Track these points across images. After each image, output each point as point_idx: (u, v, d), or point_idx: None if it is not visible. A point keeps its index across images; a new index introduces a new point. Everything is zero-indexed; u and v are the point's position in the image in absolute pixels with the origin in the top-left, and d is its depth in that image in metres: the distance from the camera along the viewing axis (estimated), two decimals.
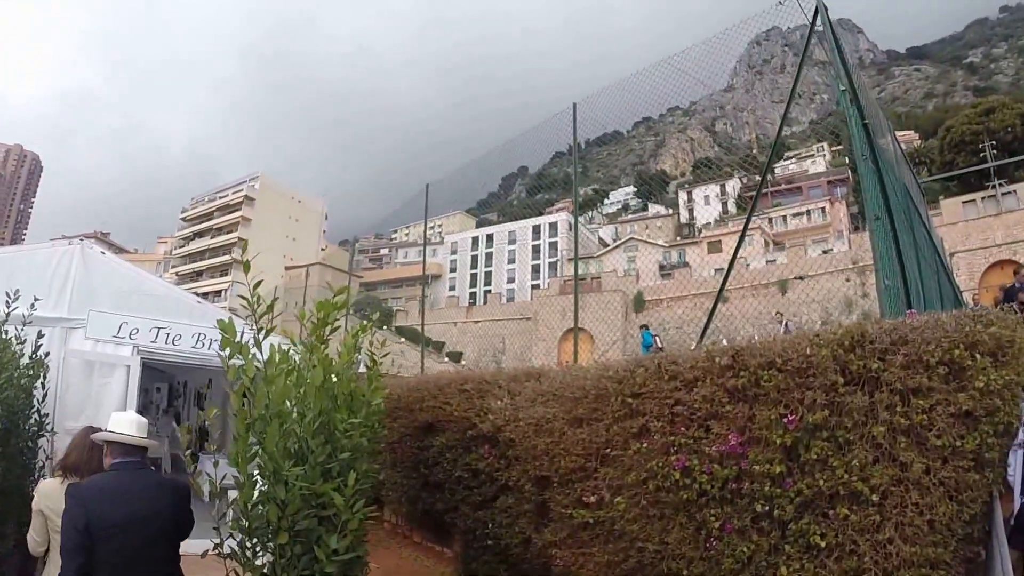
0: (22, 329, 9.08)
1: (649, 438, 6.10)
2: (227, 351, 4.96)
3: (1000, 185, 58.93)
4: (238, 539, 4.85)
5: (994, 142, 64.15)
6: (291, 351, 5.59)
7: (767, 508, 5.20)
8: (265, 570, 4.89)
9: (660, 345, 23.34)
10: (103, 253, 12.09)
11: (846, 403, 4.92)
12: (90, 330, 10.87)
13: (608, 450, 6.55)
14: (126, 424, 5.01)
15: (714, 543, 5.53)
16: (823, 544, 4.86)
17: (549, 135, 13.33)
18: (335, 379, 5.64)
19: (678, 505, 5.83)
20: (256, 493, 4.86)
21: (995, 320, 4.92)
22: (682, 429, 5.86)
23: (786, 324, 22.28)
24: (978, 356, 4.67)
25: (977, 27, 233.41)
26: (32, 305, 9.41)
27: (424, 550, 11.19)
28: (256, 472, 4.88)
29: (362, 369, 7.76)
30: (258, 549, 4.90)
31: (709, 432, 5.68)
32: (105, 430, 5.00)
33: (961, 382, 4.68)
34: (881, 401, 4.80)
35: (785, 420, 5.11)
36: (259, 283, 5.25)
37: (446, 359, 62.48)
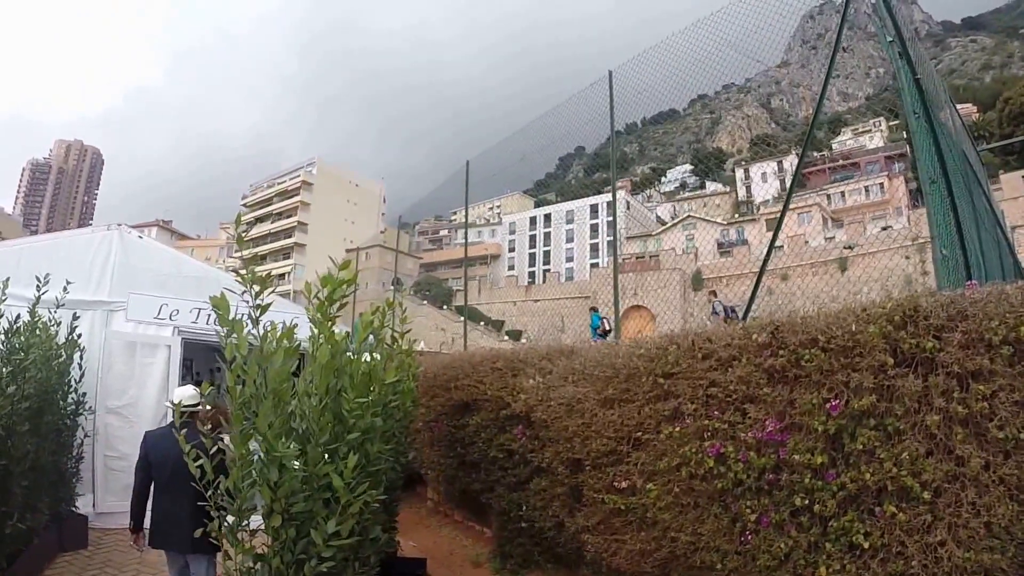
0: (55, 311, 9.36)
1: (682, 421, 5.78)
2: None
3: None
4: (230, 520, 4.74)
5: None
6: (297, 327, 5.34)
7: (807, 502, 4.82)
8: (261, 552, 4.74)
9: (608, 327, 22.80)
10: (140, 237, 12.65)
11: (896, 387, 4.47)
12: (131, 312, 11.30)
13: (640, 433, 6.24)
14: (175, 395, 6.32)
15: (750, 537, 5.19)
16: (867, 544, 4.49)
17: (596, 109, 12.97)
18: (348, 356, 5.51)
19: (712, 495, 5.50)
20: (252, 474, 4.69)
21: None
22: (716, 413, 5.50)
23: (714, 306, 21.05)
24: None
25: None
26: (65, 289, 9.69)
27: (464, 529, 11.06)
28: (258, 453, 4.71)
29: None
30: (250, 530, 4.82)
31: (746, 417, 5.30)
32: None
33: None
34: (936, 386, 4.33)
35: (828, 405, 4.69)
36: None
37: (506, 337, 62.76)
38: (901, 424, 4.43)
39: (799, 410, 4.92)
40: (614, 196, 12.78)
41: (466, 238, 21.16)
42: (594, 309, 24.43)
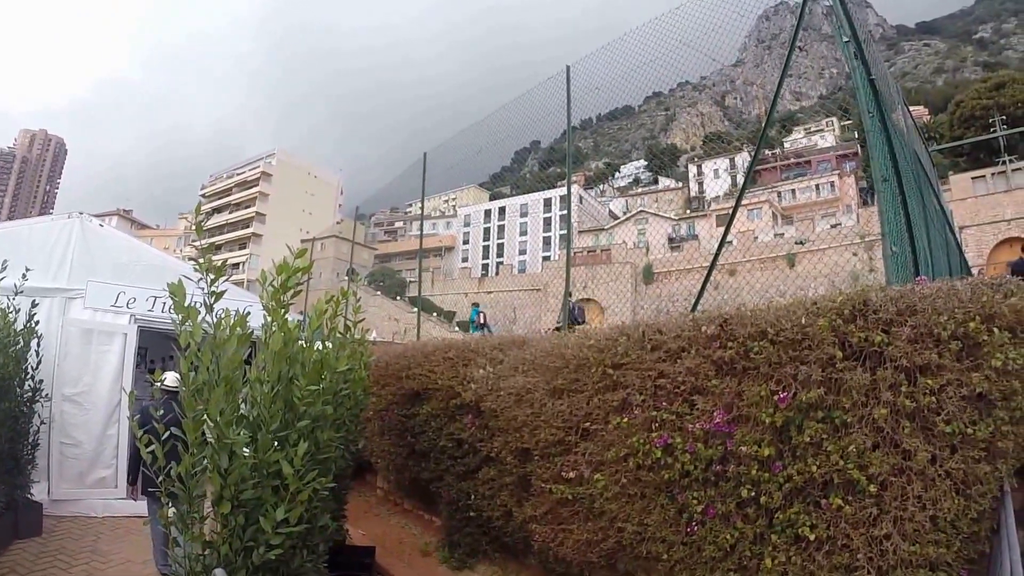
0: (14, 298, 9.43)
1: (630, 412, 5.73)
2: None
3: (1010, 161, 58.70)
4: (181, 507, 4.60)
5: (1004, 117, 63.73)
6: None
7: (753, 493, 4.80)
8: (209, 539, 4.66)
9: (483, 322, 23.02)
10: (101, 225, 12.58)
11: (845, 380, 4.45)
12: (89, 300, 11.27)
13: (588, 423, 6.19)
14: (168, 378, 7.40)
15: (696, 528, 5.18)
16: (812, 536, 4.48)
17: (553, 104, 12.96)
18: (301, 345, 5.44)
19: (659, 485, 5.47)
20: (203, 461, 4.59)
21: (1016, 290, 4.42)
22: (665, 404, 5.46)
23: (573, 308, 21.00)
24: (996, 331, 4.18)
25: (987, 2, 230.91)
26: (23, 276, 9.77)
27: (414, 518, 10.97)
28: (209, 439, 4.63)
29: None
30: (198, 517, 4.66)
31: (693, 408, 5.27)
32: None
33: (975, 360, 4.22)
34: (884, 379, 4.33)
35: (776, 397, 4.68)
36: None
37: (456, 328, 62.82)
38: (848, 417, 4.42)
39: (747, 402, 4.90)
40: (568, 190, 12.76)
41: (421, 229, 21.11)
42: (475, 304, 24.74)
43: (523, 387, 7.14)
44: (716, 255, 8.65)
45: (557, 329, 18.85)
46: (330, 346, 6.38)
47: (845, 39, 7.22)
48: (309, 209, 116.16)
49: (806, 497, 4.62)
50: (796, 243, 59.18)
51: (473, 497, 8.16)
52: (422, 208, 19.17)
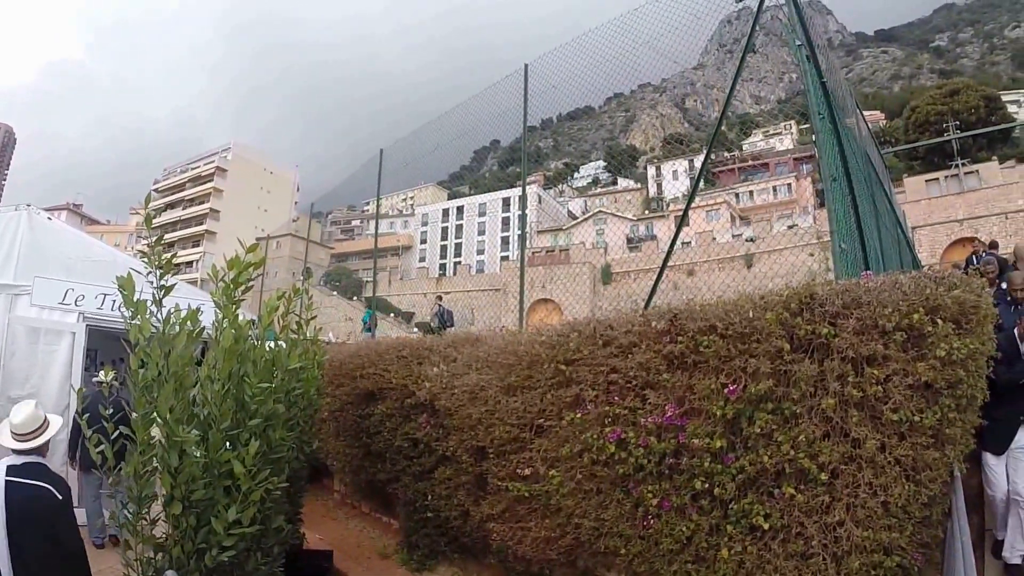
0: None
1: (583, 408, 5.74)
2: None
3: (963, 165, 60.60)
4: (132, 509, 4.52)
5: (958, 123, 65.59)
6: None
7: (707, 485, 4.85)
8: (162, 542, 4.60)
9: (371, 325, 23.25)
10: (50, 219, 11.91)
11: (793, 372, 4.52)
12: (35, 297, 10.73)
13: (542, 420, 6.20)
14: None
15: (652, 521, 5.20)
16: (767, 526, 4.54)
17: (512, 102, 12.90)
18: (252, 342, 5.35)
19: (614, 480, 5.49)
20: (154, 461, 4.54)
21: (959, 283, 4.53)
22: (617, 399, 5.49)
23: (441, 311, 21.14)
24: (940, 322, 4.28)
25: (944, 12, 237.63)
26: None
27: (372, 521, 10.86)
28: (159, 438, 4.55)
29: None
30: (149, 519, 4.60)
31: (646, 402, 5.29)
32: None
33: (920, 350, 4.31)
34: (832, 370, 4.41)
35: (726, 390, 4.73)
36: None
37: (415, 329, 62.54)
38: (798, 408, 4.50)
39: (698, 395, 4.95)
40: (524, 190, 12.74)
41: (376, 227, 21.06)
42: (368, 307, 24.80)
43: (477, 385, 7.11)
44: (668, 253, 8.72)
45: (429, 331, 18.97)
46: (283, 345, 6.31)
47: (798, 43, 7.34)
48: (265, 206, 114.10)
49: (759, 487, 4.68)
50: (747, 240, 60.07)
51: (430, 497, 8.09)
52: (377, 205, 18.93)
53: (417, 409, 8.26)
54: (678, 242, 9.17)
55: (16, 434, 4.77)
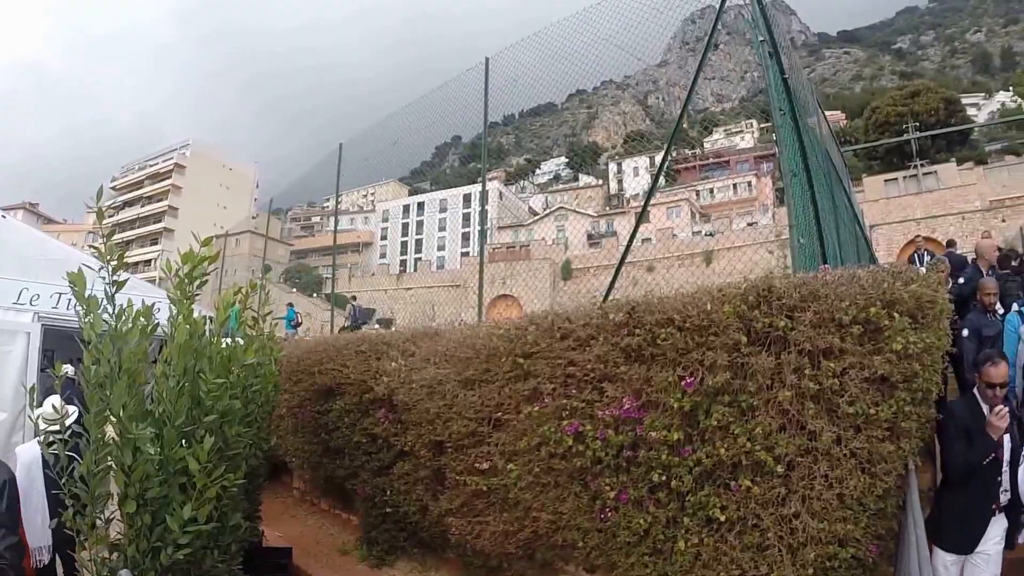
0: None
1: (541, 401, 5.72)
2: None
3: (921, 165, 62.01)
4: (84, 508, 4.43)
5: (918, 124, 66.95)
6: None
7: (664, 478, 4.85)
8: (117, 541, 4.51)
9: (300, 321, 23.47)
10: (3, 217, 11.67)
11: (750, 365, 4.55)
12: None
13: (500, 414, 6.17)
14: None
15: (610, 514, 5.20)
16: (723, 518, 4.57)
17: (472, 97, 12.79)
18: (208, 338, 5.28)
19: (572, 473, 5.48)
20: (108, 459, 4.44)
21: (916, 278, 4.59)
22: (575, 392, 5.48)
23: (354, 310, 21.17)
24: (896, 316, 4.33)
25: (907, 14, 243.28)
26: None
27: (331, 517, 10.78)
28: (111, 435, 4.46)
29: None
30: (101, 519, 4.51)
31: (603, 395, 5.29)
32: None
33: (877, 344, 4.36)
34: (788, 363, 4.44)
35: (683, 383, 4.74)
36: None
37: (376, 326, 62.23)
38: (755, 400, 4.53)
39: (655, 388, 4.95)
40: (483, 184, 12.68)
41: (335, 223, 20.80)
42: (290, 304, 25.03)
43: (435, 379, 7.06)
44: (627, 248, 8.75)
45: (343, 330, 18.99)
46: (240, 341, 6.24)
47: (761, 38, 7.38)
48: (224, 203, 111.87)
49: (716, 480, 4.70)
50: (706, 235, 60.78)
51: (389, 493, 8.03)
52: (336, 201, 18.65)
53: (375, 404, 8.17)
54: (639, 238, 9.20)
55: None
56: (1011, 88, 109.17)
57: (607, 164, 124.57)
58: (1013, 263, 13.19)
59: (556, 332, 5.85)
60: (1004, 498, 4.86)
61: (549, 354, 5.80)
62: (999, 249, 14.93)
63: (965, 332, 7.85)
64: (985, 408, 4.87)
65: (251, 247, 71.72)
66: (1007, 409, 4.72)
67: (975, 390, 5.07)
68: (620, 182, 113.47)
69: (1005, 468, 4.86)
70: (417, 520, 7.71)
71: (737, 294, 4.77)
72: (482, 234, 14.66)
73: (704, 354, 4.72)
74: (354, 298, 22.13)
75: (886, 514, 4.47)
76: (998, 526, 4.85)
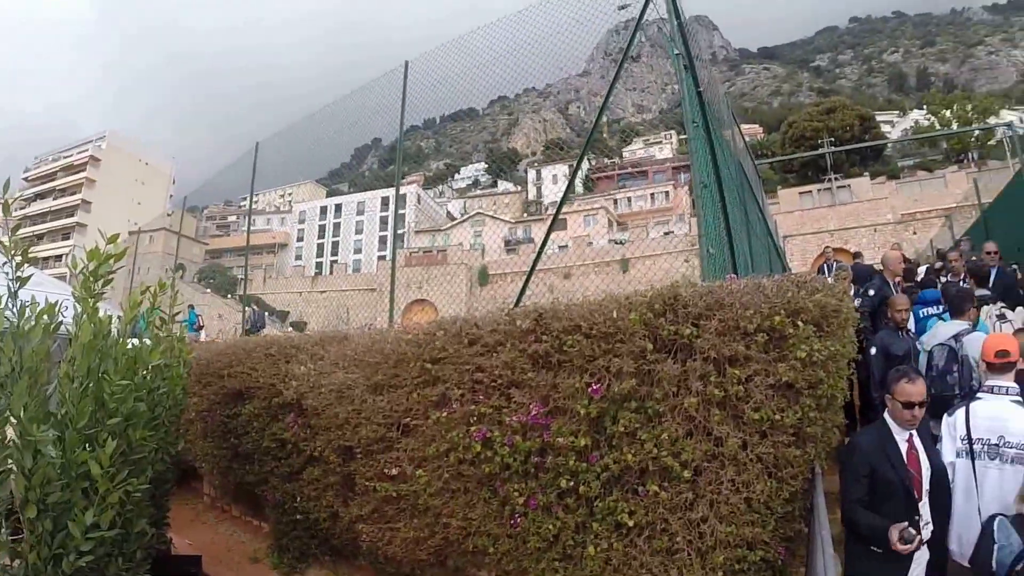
0: None
1: (449, 407, 5.68)
2: None
3: (836, 179, 64.43)
4: None
5: (833, 139, 69.45)
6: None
7: (572, 484, 4.86)
8: (17, 547, 4.36)
9: (202, 323, 23.67)
10: None
11: (656, 372, 4.59)
12: None
13: (409, 419, 6.09)
14: None
15: (519, 520, 5.18)
16: (632, 523, 4.59)
17: (394, 99, 12.69)
18: (114, 338, 5.16)
19: (481, 479, 5.45)
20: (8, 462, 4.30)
21: (821, 288, 4.69)
22: (483, 397, 5.46)
23: (252, 315, 21.37)
24: (801, 324, 4.42)
25: (826, 34, 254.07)
26: None
27: (242, 524, 10.54)
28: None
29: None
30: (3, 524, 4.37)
31: (511, 401, 5.28)
32: None
33: (782, 351, 4.44)
34: (694, 370, 4.50)
35: (590, 389, 4.76)
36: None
37: (289, 329, 61.49)
38: (661, 407, 4.56)
39: (563, 394, 4.97)
40: (397, 189, 12.67)
41: (248, 223, 20.38)
42: (191, 306, 25.00)
43: (344, 383, 6.96)
44: (538, 254, 8.80)
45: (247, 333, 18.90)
46: (148, 342, 6.12)
47: (676, 52, 7.50)
48: (140, 199, 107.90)
49: (624, 485, 4.73)
50: (617, 243, 61.89)
51: (299, 499, 7.87)
52: (250, 200, 18.26)
53: (285, 409, 7.99)
54: (555, 245, 9.26)
55: None
56: (925, 107, 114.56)
57: (526, 171, 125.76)
58: (932, 273, 13.74)
59: (464, 338, 5.83)
60: (927, 532, 4.54)
61: (457, 360, 5.77)
62: (907, 261, 15.48)
63: (873, 350, 7.97)
64: (900, 437, 4.60)
65: (165, 245, 70.16)
66: (917, 540, 4.15)
67: (886, 414, 4.75)
68: (539, 189, 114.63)
69: (925, 499, 4.59)
70: (328, 527, 7.57)
71: (643, 302, 4.82)
72: (395, 237, 14.62)
73: (611, 361, 4.75)
74: (257, 302, 21.87)
75: (793, 517, 4.54)
76: (919, 565, 4.52)
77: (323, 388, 7.24)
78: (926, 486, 4.60)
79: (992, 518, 4.53)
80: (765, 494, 4.32)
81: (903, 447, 4.60)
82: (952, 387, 7.12)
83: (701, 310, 4.64)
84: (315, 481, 7.57)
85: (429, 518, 5.97)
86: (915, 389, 4.54)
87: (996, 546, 3.98)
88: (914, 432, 4.65)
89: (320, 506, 7.55)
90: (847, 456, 4.71)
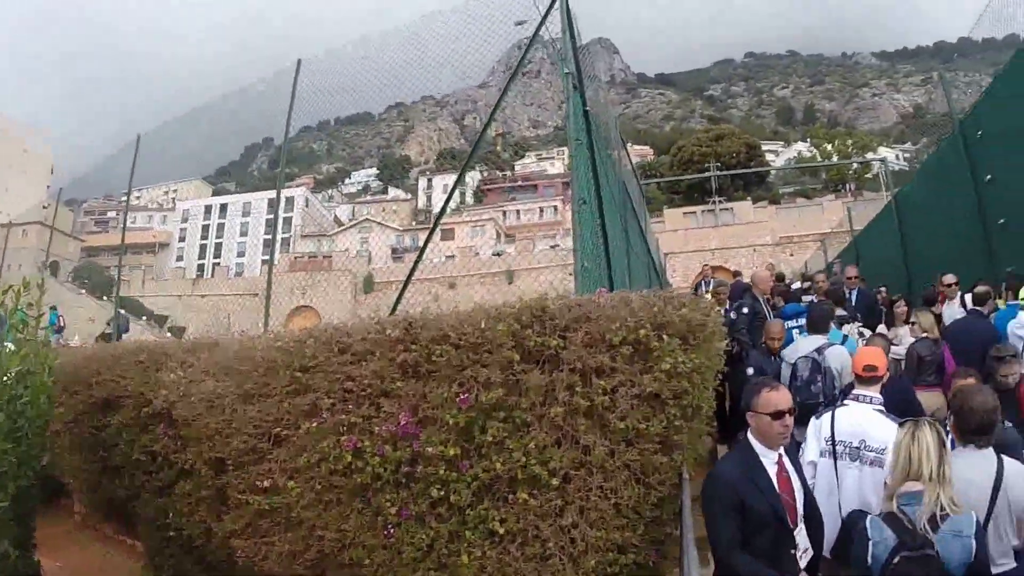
0: None
1: (320, 417, 5.62)
2: None
3: (720, 201, 67.85)
4: None
5: (719, 164, 72.93)
6: None
7: (444, 493, 4.90)
8: None
9: (63, 324, 23.67)
10: None
11: (524, 382, 4.70)
12: None
13: (280, 429, 5.98)
14: None
15: (393, 530, 5.17)
16: (503, 530, 4.66)
17: (288, 98, 12.43)
18: None
19: (353, 490, 5.41)
20: None
21: (687, 303, 4.93)
22: (353, 407, 5.45)
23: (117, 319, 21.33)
24: (666, 337, 4.61)
25: (723, 65, 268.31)
26: None
27: (116, 543, 10.12)
28: None
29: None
30: None
31: (380, 411, 5.29)
32: None
33: (647, 363, 4.61)
34: (560, 381, 4.63)
35: (459, 399, 4.83)
36: None
37: (168, 334, 59.86)
38: (528, 416, 4.67)
39: (431, 404, 5.01)
40: (279, 192, 12.47)
41: (124, 219, 19.74)
42: (53, 308, 24.69)
43: (214, 392, 6.75)
44: (415, 263, 8.85)
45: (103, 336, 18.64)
46: (10, 346, 5.90)
47: (566, 70, 7.65)
48: (12, 187, 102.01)
49: (495, 494, 4.80)
50: (494, 254, 63.31)
51: (172, 515, 7.57)
52: (128, 196, 17.41)
53: (155, 419, 7.67)
54: (442, 256, 9.32)
55: None
56: (809, 139, 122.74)
57: (418, 179, 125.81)
58: (795, 287, 14.56)
59: (335, 346, 5.81)
60: (804, 560, 4.42)
61: (327, 368, 5.74)
62: (780, 278, 16.31)
63: (750, 371, 8.36)
64: (768, 459, 4.40)
65: (40, 240, 67.02)
66: None
67: (749, 436, 4.55)
68: (429, 198, 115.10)
69: (801, 525, 4.47)
70: (203, 543, 7.32)
71: (511, 313, 4.94)
72: (275, 241, 14.43)
73: (479, 371, 4.84)
74: (124, 305, 21.33)
75: (662, 521, 4.72)
76: None
77: (193, 397, 7.01)
78: (801, 511, 4.45)
79: (862, 516, 4.69)
80: (633, 500, 4.46)
81: (772, 471, 4.40)
82: (816, 395, 7.75)
83: (568, 322, 4.80)
84: (187, 495, 7.32)
85: (304, 531, 5.87)
86: (780, 396, 4.38)
87: (871, 542, 4.10)
88: (783, 452, 4.50)
89: (194, 522, 7.29)
90: (710, 490, 4.42)
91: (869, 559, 4.05)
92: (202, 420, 6.77)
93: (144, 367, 8.23)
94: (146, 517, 8.20)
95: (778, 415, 4.29)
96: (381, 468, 5.15)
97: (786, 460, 4.50)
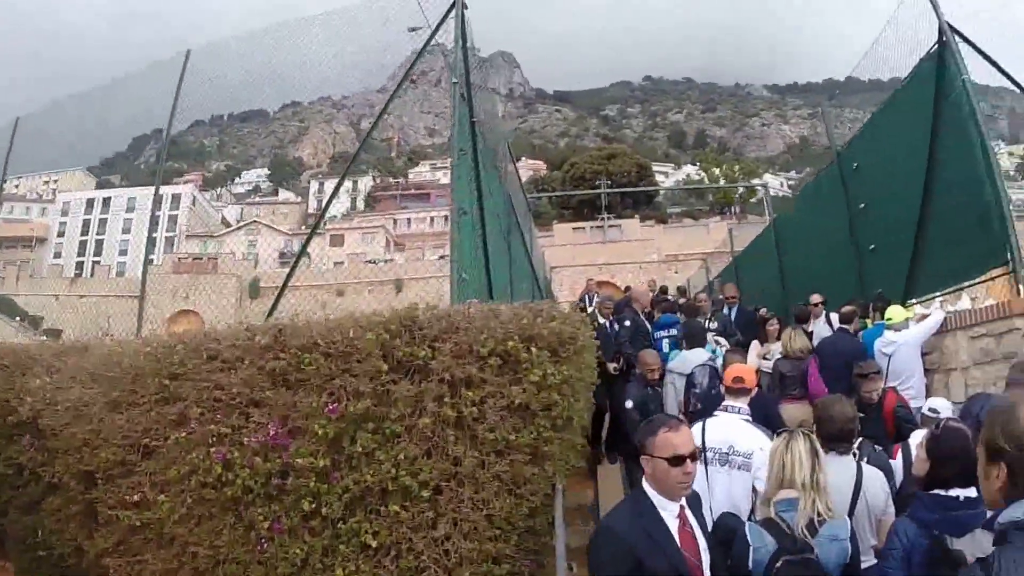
0: None
1: (189, 427, 5.49)
2: None
3: (609, 218, 70.24)
4: None
5: (610, 181, 75.47)
6: None
7: (315, 505, 4.87)
8: None
9: None
10: None
11: (393, 392, 4.74)
12: None
13: (148, 440, 5.80)
14: None
15: (266, 545, 5.08)
16: (376, 544, 4.65)
17: (182, 91, 11.94)
18: None
19: (225, 503, 5.30)
20: None
21: (557, 316, 5.08)
22: (222, 416, 5.34)
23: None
24: (535, 349, 4.71)
25: (620, 87, 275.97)
26: None
27: None
28: None
29: None
30: None
31: (249, 420, 5.22)
32: None
33: (516, 375, 4.71)
34: (429, 391, 4.69)
35: (328, 409, 4.82)
36: None
37: (43, 337, 57.26)
38: (398, 427, 4.70)
39: (301, 413, 4.98)
40: (157, 188, 12.10)
41: None
42: None
43: (81, 400, 6.48)
44: (292, 268, 8.81)
45: None
46: None
47: (455, 80, 7.71)
48: None
49: (367, 506, 4.79)
50: (368, 262, 63.66)
51: (41, 532, 7.16)
52: (2, 182, 16.32)
53: (20, 429, 7.25)
54: (331, 262, 9.25)
55: None
56: (698, 163, 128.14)
57: (310, 182, 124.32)
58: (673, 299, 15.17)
59: (204, 353, 5.71)
60: None
61: (196, 376, 5.62)
62: (664, 292, 16.97)
63: (629, 404, 8.55)
64: (668, 511, 3.70)
65: None
66: None
67: (644, 484, 3.82)
68: (320, 201, 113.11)
69: None
70: (75, 563, 6.92)
71: (380, 323, 4.99)
72: (149, 237, 14.09)
73: (348, 380, 4.85)
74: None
75: (537, 531, 4.83)
76: None
77: (59, 405, 6.67)
78: (707, 572, 3.73)
79: (733, 518, 4.97)
80: (505, 510, 4.52)
81: (673, 525, 3.69)
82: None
83: (437, 333, 4.87)
84: (56, 511, 6.98)
85: (176, 548, 5.70)
86: (680, 438, 3.66)
87: (752, 548, 4.12)
88: (684, 502, 3.80)
89: (64, 540, 6.93)
90: (601, 548, 3.72)
91: (751, 563, 4.13)
92: (69, 430, 6.48)
93: (9, 372, 7.76)
94: (15, 536, 7.78)
95: (677, 461, 3.57)
96: (252, 480, 5.08)
97: (688, 513, 3.82)
